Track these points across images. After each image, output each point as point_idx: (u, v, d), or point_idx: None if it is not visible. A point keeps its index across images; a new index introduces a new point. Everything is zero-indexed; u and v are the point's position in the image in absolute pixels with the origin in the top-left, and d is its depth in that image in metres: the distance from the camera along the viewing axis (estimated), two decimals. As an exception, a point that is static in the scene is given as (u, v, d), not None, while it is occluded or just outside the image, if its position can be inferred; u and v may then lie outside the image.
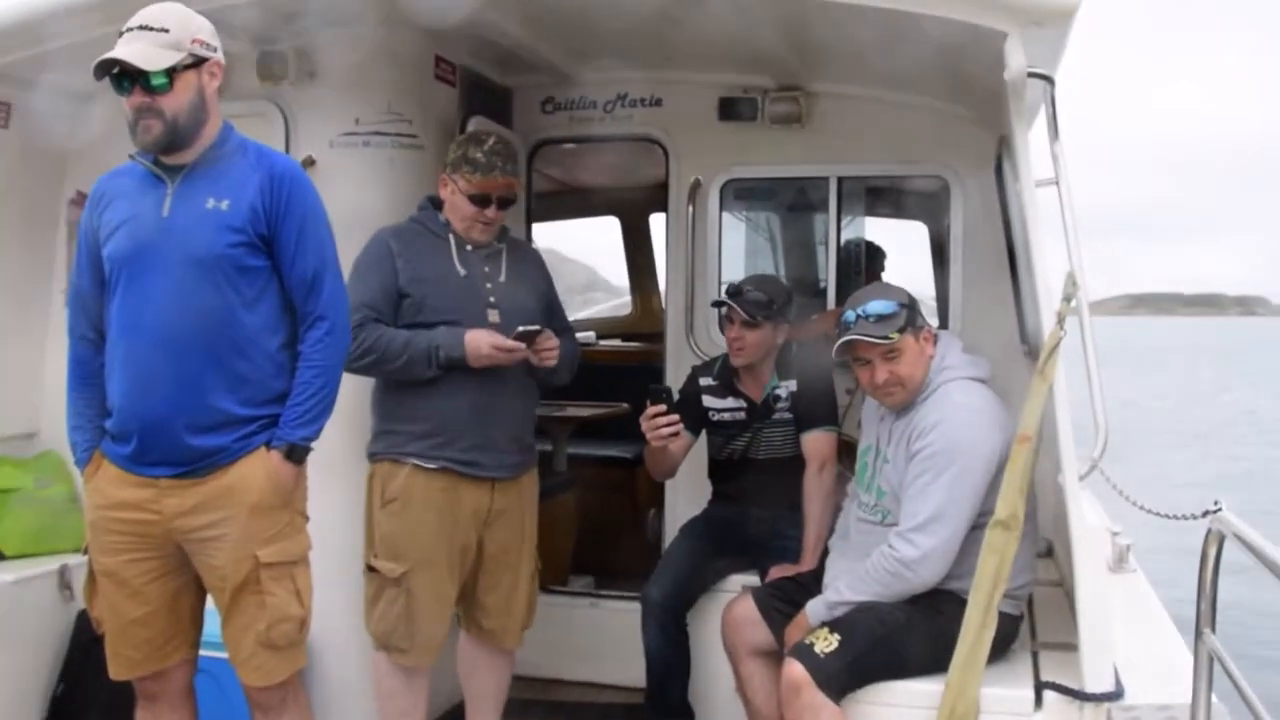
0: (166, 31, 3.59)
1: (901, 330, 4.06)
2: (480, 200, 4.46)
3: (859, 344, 4.08)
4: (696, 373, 5.22)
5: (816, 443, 4.96)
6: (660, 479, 5.19)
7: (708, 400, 5.09)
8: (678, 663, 4.82)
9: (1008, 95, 3.79)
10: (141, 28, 3.58)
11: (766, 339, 4.91)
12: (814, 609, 4.10)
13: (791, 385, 5.02)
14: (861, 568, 4.01)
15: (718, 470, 5.23)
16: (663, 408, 4.62)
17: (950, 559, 3.90)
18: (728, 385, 5.06)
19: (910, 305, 4.13)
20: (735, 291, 4.91)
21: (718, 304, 5.22)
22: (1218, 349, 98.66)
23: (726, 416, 5.07)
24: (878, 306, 4.08)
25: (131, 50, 3.55)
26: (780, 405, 5.01)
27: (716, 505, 5.26)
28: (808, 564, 4.71)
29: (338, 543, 4.46)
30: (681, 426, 4.75)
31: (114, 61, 3.54)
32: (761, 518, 5.03)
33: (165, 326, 3.66)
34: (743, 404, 5.04)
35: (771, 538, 4.95)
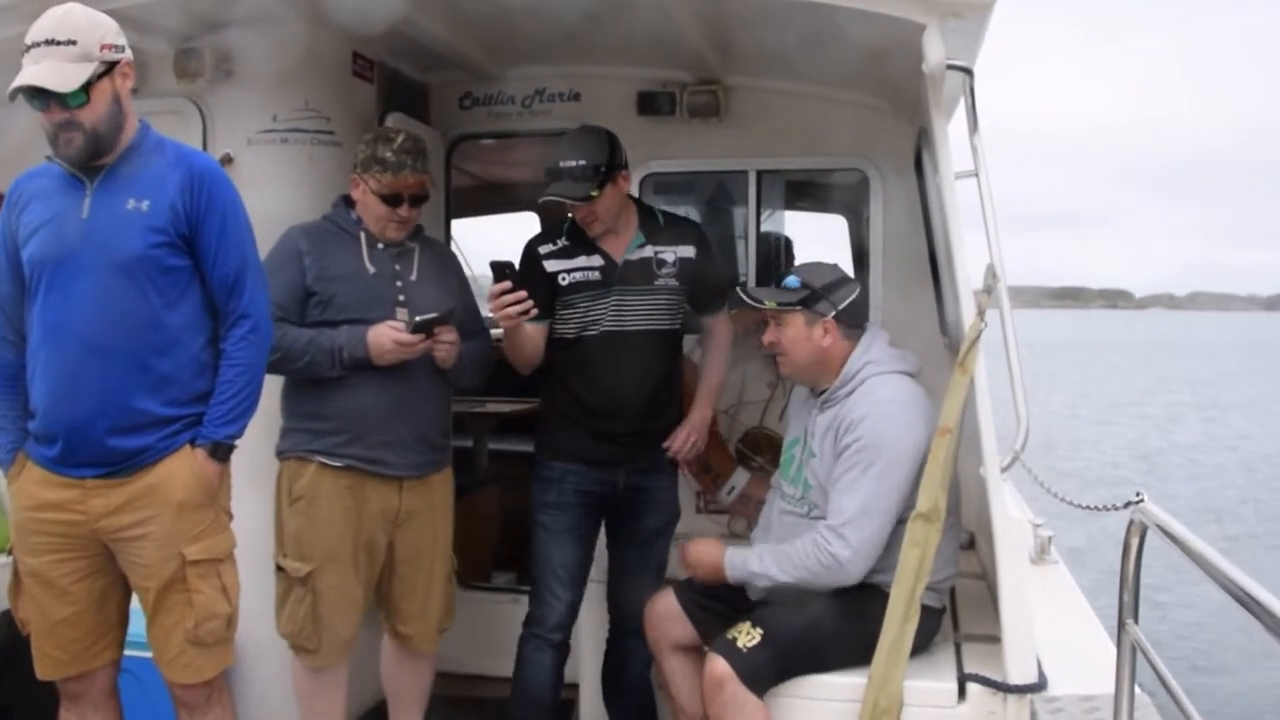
0: (74, 44, 3.51)
1: (790, 305, 4.11)
2: (392, 200, 4.40)
3: (748, 303, 4.22)
4: (533, 244, 4.69)
5: (724, 322, 4.90)
6: (523, 371, 4.69)
7: (552, 265, 4.59)
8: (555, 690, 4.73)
9: (926, 87, 3.79)
10: (48, 42, 3.51)
11: (612, 200, 4.50)
12: (734, 564, 4.10)
13: (685, 251, 4.69)
14: (791, 548, 3.98)
15: (576, 352, 4.62)
16: (508, 284, 4.26)
17: (878, 553, 3.89)
18: (577, 243, 4.61)
19: (819, 291, 4.12)
20: (553, 175, 4.45)
21: (544, 203, 4.54)
22: (1090, 341, 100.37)
23: (579, 277, 4.57)
24: (789, 280, 4.16)
25: (41, 72, 3.48)
26: (665, 271, 4.64)
27: (572, 448, 4.66)
28: (701, 414, 4.72)
29: (259, 542, 4.41)
30: (533, 304, 4.32)
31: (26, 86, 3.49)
32: (629, 418, 4.60)
33: (88, 329, 3.64)
34: (597, 261, 4.59)
35: (642, 464, 4.68)
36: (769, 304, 4.15)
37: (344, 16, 4.74)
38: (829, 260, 4.37)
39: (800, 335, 4.14)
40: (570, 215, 4.58)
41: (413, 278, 4.51)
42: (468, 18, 5.09)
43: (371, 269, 4.44)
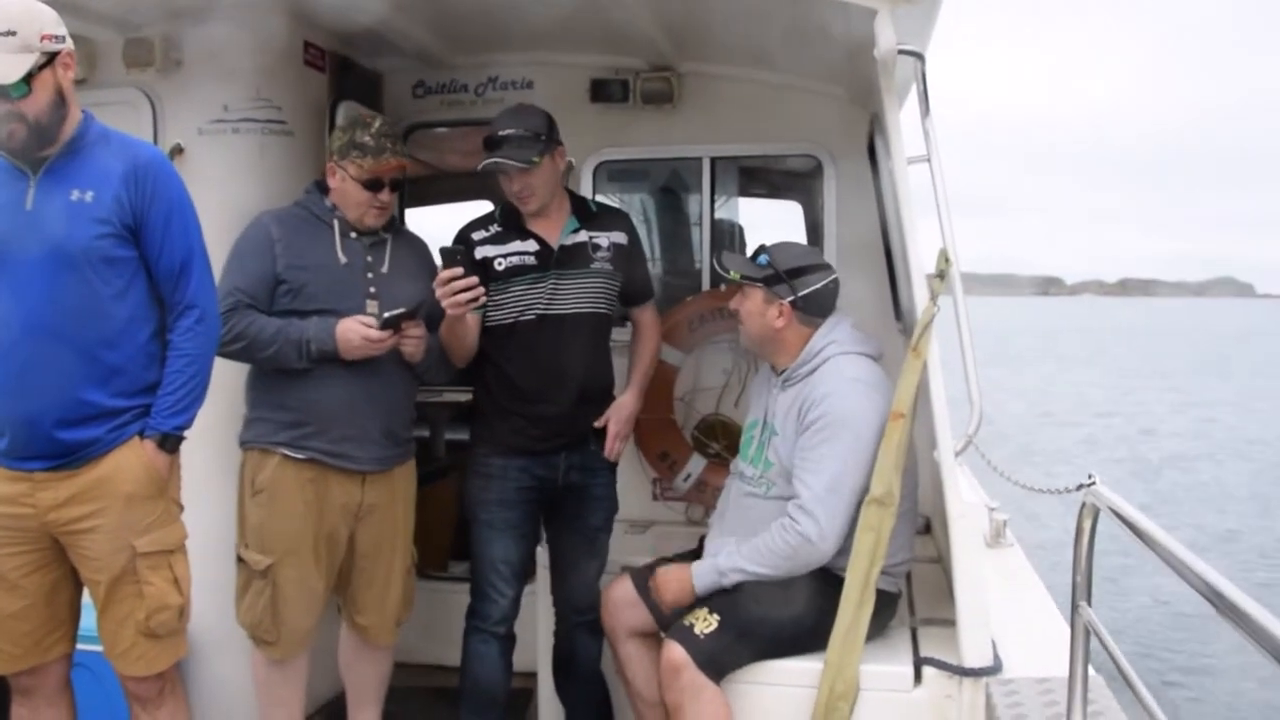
0: (14, 35, 3.46)
1: (752, 280, 4.15)
2: (373, 185, 4.36)
3: (718, 264, 4.29)
4: (466, 231, 4.61)
5: (652, 313, 4.91)
6: (460, 363, 4.63)
7: (485, 251, 4.52)
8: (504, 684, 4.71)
9: (878, 73, 3.79)
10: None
11: (549, 174, 4.49)
12: (701, 573, 4.07)
13: (618, 238, 4.68)
14: (759, 539, 3.97)
15: (512, 338, 4.55)
16: (459, 270, 4.18)
17: (847, 528, 3.88)
18: (511, 228, 4.57)
19: (782, 274, 4.13)
20: (494, 144, 4.42)
21: (486, 171, 4.48)
22: (1026, 329, 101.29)
23: (515, 261, 4.51)
24: (761, 257, 4.19)
25: None
26: (600, 255, 4.61)
27: (510, 439, 4.59)
28: (629, 402, 4.71)
29: (215, 534, 4.40)
30: (483, 290, 4.26)
31: None
32: (565, 401, 4.56)
33: (34, 321, 3.60)
34: (532, 246, 4.53)
35: (581, 459, 4.65)
36: (733, 274, 4.19)
37: (300, 5, 4.72)
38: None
39: (756, 310, 4.17)
40: (504, 201, 4.59)
41: (384, 270, 4.48)
42: (420, 5, 5.06)
43: (343, 259, 4.41)
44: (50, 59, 3.54)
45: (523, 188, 4.46)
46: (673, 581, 4.14)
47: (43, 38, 3.52)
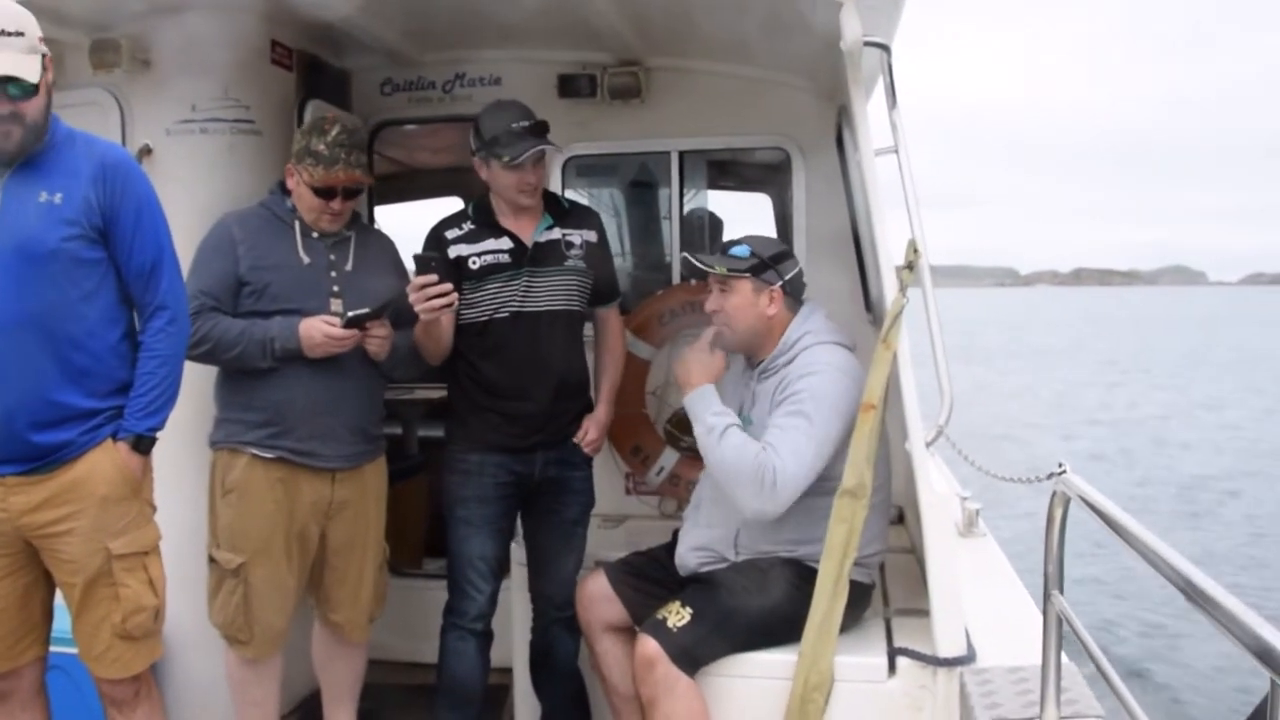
0: (22, 35, 3.47)
1: (739, 272, 4.12)
2: (324, 193, 4.35)
3: (694, 266, 4.20)
4: (439, 229, 4.60)
5: (616, 315, 4.92)
6: (435, 361, 4.63)
7: (459, 250, 4.51)
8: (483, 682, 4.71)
9: (845, 65, 3.79)
10: (1, 33, 3.45)
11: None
12: (701, 396, 4.12)
13: (589, 236, 4.68)
14: (749, 444, 3.91)
15: (487, 336, 4.54)
16: (433, 277, 4.16)
17: (795, 497, 3.84)
18: (485, 225, 4.56)
19: (767, 261, 4.14)
20: (516, 135, 4.37)
21: (523, 161, 4.38)
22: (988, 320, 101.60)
23: (490, 260, 4.50)
24: (738, 249, 4.17)
25: (10, 61, 3.43)
26: (574, 253, 4.61)
27: (486, 436, 4.57)
28: (605, 412, 4.72)
29: (187, 534, 4.39)
30: (457, 295, 4.26)
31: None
32: (541, 399, 4.55)
33: (5, 324, 3.57)
34: (506, 244, 4.51)
35: (557, 453, 4.64)
36: (719, 269, 4.14)
37: (268, 4, 4.72)
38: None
39: (746, 302, 4.14)
40: (476, 197, 4.62)
41: (348, 268, 4.47)
42: (388, 3, 5.05)
43: (306, 259, 4.40)
44: (43, 61, 3.55)
45: (540, 178, 4.48)
46: (702, 369, 4.18)
47: (38, 39, 3.54)
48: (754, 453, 3.86)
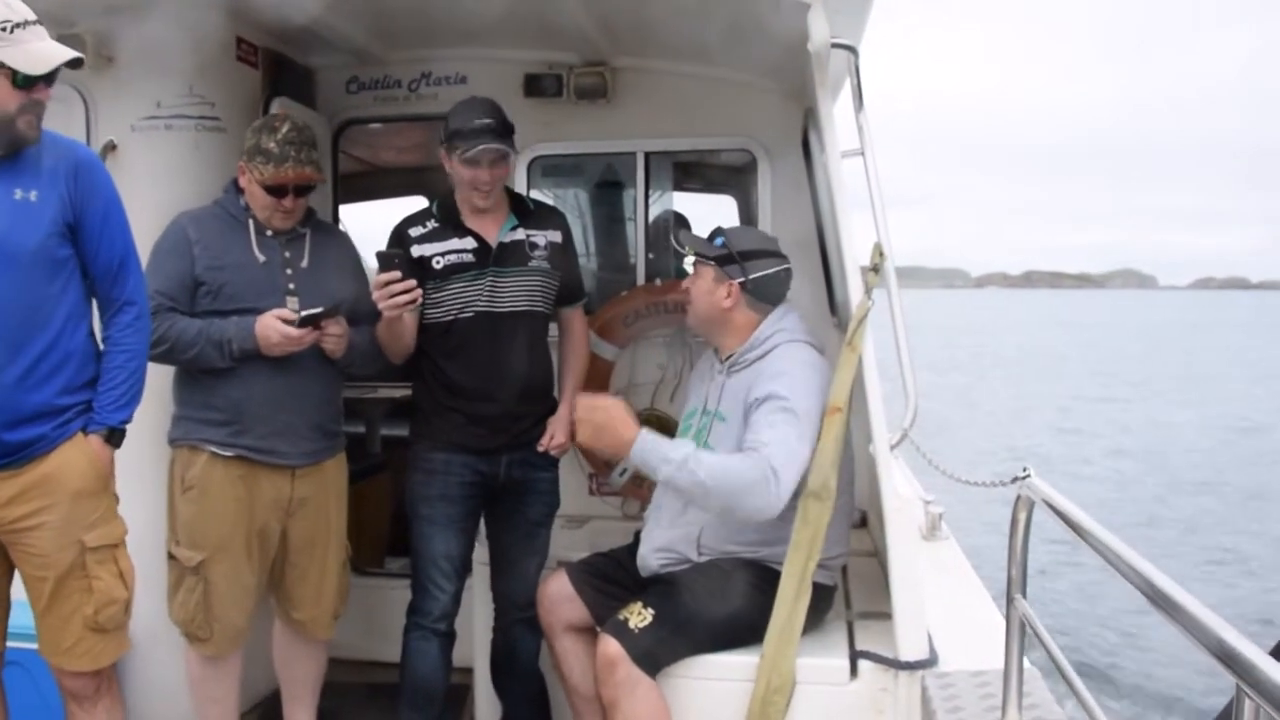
0: (40, 24, 3.52)
1: (705, 259, 4.15)
2: (276, 191, 4.33)
3: (677, 240, 4.30)
4: (402, 227, 4.58)
5: (581, 316, 4.91)
6: (398, 360, 4.61)
7: (422, 249, 4.49)
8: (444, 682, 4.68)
9: (812, 67, 3.79)
10: (37, 22, 3.52)
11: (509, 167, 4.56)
12: (648, 442, 3.87)
13: (554, 236, 4.65)
14: (727, 458, 3.85)
15: (450, 336, 4.53)
16: (396, 275, 4.17)
17: (792, 490, 3.79)
18: (449, 224, 4.54)
19: (736, 255, 4.13)
20: (474, 133, 4.34)
21: (474, 157, 4.36)
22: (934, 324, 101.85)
23: (454, 259, 4.47)
24: (717, 239, 4.19)
25: (60, 48, 3.51)
26: (538, 254, 4.57)
27: (450, 435, 4.56)
28: (566, 413, 4.63)
29: (148, 531, 4.35)
30: (420, 292, 4.26)
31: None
32: (506, 400, 4.52)
33: None
34: (470, 244, 4.50)
35: (523, 454, 4.60)
36: (687, 250, 4.19)
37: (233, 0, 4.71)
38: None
39: (704, 290, 4.16)
40: (440, 196, 4.60)
41: (304, 265, 4.45)
42: (352, 2, 5.03)
43: (261, 258, 4.38)
44: None
45: (495, 178, 4.44)
46: (611, 421, 3.93)
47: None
48: (739, 458, 3.83)
